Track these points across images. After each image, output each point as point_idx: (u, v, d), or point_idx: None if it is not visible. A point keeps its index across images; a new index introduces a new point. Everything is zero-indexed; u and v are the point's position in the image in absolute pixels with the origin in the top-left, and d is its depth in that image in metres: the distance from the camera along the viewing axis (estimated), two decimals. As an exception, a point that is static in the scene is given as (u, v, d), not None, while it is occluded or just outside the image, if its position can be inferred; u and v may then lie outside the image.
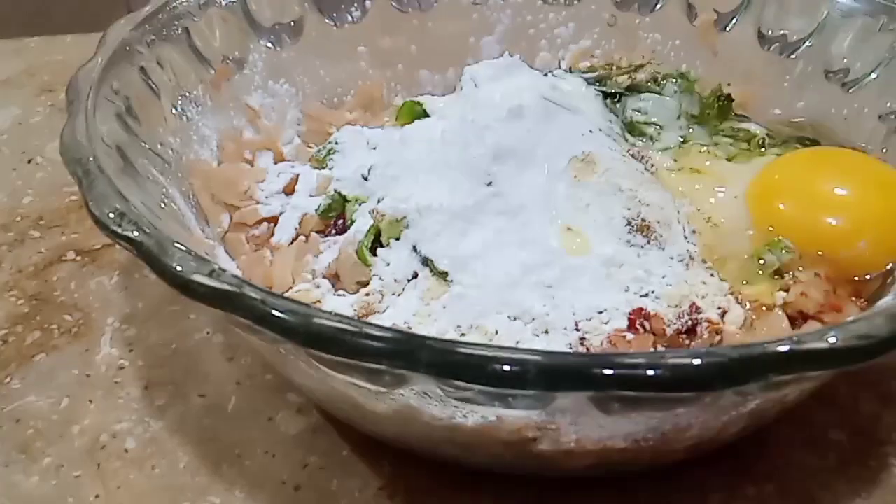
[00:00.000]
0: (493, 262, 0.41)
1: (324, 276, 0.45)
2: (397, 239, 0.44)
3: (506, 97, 0.45)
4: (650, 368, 0.29)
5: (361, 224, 0.46)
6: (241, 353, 0.48)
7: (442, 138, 0.45)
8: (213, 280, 0.33)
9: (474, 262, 0.41)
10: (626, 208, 0.43)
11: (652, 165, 0.47)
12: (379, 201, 0.46)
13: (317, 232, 0.48)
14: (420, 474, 0.42)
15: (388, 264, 0.43)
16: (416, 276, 0.43)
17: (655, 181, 0.46)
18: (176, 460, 0.43)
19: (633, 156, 0.47)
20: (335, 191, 0.49)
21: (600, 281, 0.41)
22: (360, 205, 0.47)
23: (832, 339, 0.30)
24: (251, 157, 0.53)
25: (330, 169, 0.50)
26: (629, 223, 0.43)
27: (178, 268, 0.33)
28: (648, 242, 0.43)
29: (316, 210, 0.49)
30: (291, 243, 0.48)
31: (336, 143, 0.52)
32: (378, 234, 0.44)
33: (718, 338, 0.41)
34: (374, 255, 0.44)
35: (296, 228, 0.49)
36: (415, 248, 0.43)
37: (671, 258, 0.43)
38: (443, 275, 0.41)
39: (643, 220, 0.43)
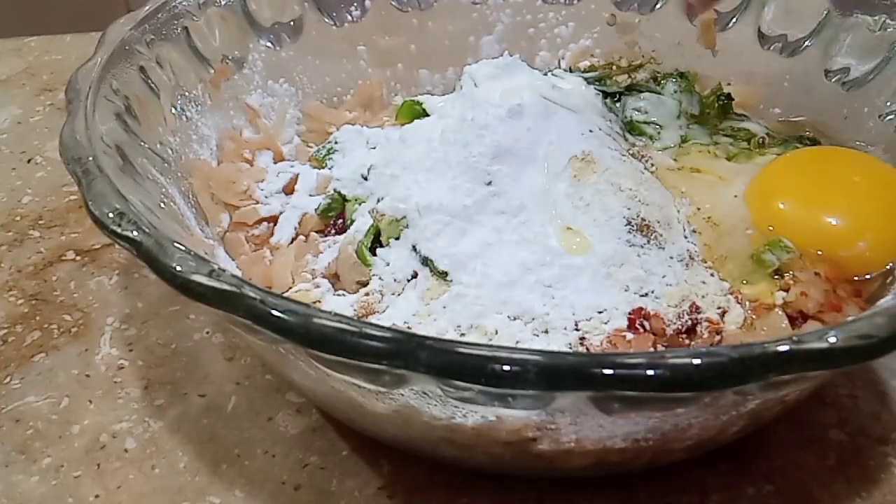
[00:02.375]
0: (493, 262, 0.41)
1: (323, 276, 0.45)
2: (397, 239, 0.44)
3: (505, 96, 0.45)
4: (650, 368, 0.29)
5: (361, 224, 0.45)
6: (241, 353, 0.48)
7: (441, 138, 0.45)
8: (212, 280, 0.33)
9: (474, 261, 0.41)
10: (625, 208, 0.43)
11: (652, 165, 0.47)
12: (379, 201, 0.46)
13: (316, 232, 0.48)
14: (420, 474, 0.42)
15: (388, 264, 0.43)
16: (415, 275, 0.43)
17: (655, 181, 0.46)
18: (176, 460, 0.43)
19: (632, 155, 0.47)
20: (335, 190, 0.49)
21: (600, 280, 0.41)
22: (359, 204, 0.47)
23: (832, 339, 0.30)
24: (251, 157, 0.53)
25: (329, 168, 0.50)
26: (629, 223, 0.43)
27: (178, 268, 0.33)
28: (648, 242, 0.43)
29: (316, 210, 0.48)
30: (291, 243, 0.48)
31: (335, 142, 0.52)
32: (378, 234, 0.44)
33: (718, 338, 0.41)
34: (374, 254, 0.44)
35: (295, 228, 0.49)
36: (414, 248, 0.43)
37: (671, 258, 0.43)
38: (443, 274, 0.41)
39: (643, 219, 0.43)
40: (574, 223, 0.43)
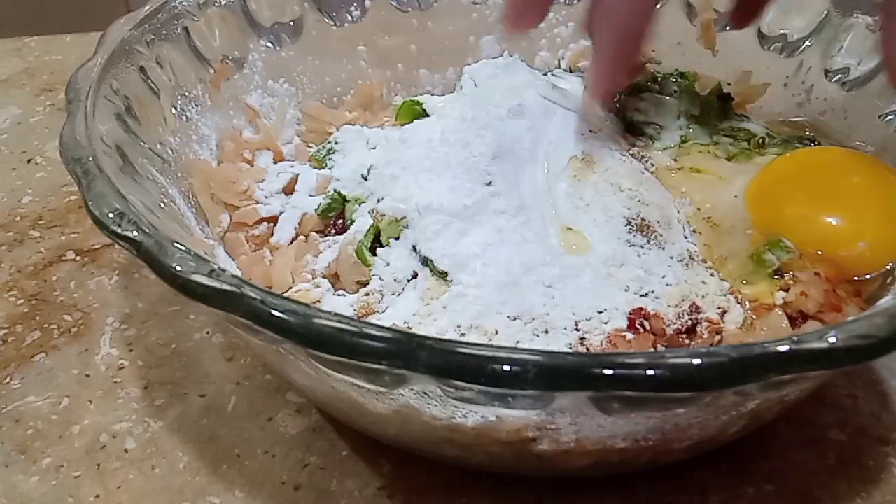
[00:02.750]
0: (493, 262, 0.41)
1: (323, 276, 0.45)
2: (397, 239, 0.44)
3: (505, 96, 0.45)
4: (650, 368, 0.29)
5: (361, 224, 0.45)
6: (241, 353, 0.48)
7: (442, 138, 0.45)
8: (212, 280, 0.33)
9: (474, 261, 0.41)
10: (625, 208, 0.43)
11: (652, 165, 0.47)
12: (379, 201, 0.45)
13: (316, 232, 0.48)
14: (420, 474, 0.42)
15: (388, 264, 0.43)
16: (415, 275, 0.43)
17: (655, 181, 0.46)
18: (176, 460, 0.43)
19: (632, 155, 0.47)
20: (335, 190, 0.49)
21: (600, 280, 0.41)
22: (359, 205, 0.47)
23: (832, 339, 0.30)
24: (251, 157, 0.53)
25: (329, 169, 0.50)
26: (629, 223, 0.43)
27: (178, 268, 0.33)
28: (648, 242, 0.43)
29: (316, 210, 0.48)
30: (291, 243, 0.48)
31: (335, 142, 0.52)
32: (378, 234, 0.44)
33: (718, 338, 0.40)
34: (374, 254, 0.44)
35: (295, 228, 0.49)
36: (414, 248, 0.43)
37: (671, 258, 0.43)
38: (443, 275, 0.41)
39: (643, 219, 0.43)
40: (574, 223, 0.43)
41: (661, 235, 0.43)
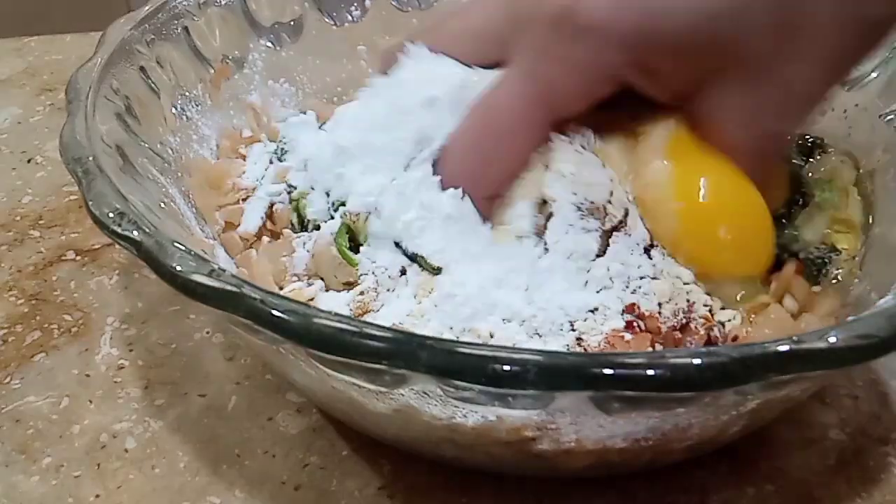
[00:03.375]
0: (470, 265, 0.40)
1: (306, 276, 0.44)
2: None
3: (421, 86, 0.43)
4: (650, 368, 0.29)
5: (332, 224, 0.44)
6: (241, 353, 0.48)
7: (372, 122, 0.43)
8: (212, 280, 0.33)
9: (454, 264, 0.40)
10: (571, 193, 0.40)
11: (589, 142, 0.43)
12: (328, 194, 0.44)
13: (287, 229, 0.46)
14: (420, 474, 0.42)
15: (374, 261, 0.42)
16: (404, 272, 0.41)
17: (595, 159, 0.42)
18: (176, 460, 0.43)
19: (562, 135, 0.43)
20: (287, 184, 0.47)
21: (574, 276, 0.39)
22: (306, 199, 0.45)
23: (832, 339, 0.30)
24: (245, 153, 0.52)
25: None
26: (578, 209, 0.40)
27: (178, 267, 0.33)
28: (608, 228, 0.40)
29: (289, 203, 0.47)
30: (259, 235, 0.47)
31: (284, 141, 0.49)
32: (351, 233, 0.43)
33: (714, 332, 0.40)
34: (357, 252, 0.43)
35: (262, 218, 0.47)
36: (397, 245, 0.41)
37: (637, 244, 0.41)
38: (436, 270, 0.40)
39: (591, 202, 0.40)
40: (504, 221, 0.41)
41: (619, 219, 0.40)
